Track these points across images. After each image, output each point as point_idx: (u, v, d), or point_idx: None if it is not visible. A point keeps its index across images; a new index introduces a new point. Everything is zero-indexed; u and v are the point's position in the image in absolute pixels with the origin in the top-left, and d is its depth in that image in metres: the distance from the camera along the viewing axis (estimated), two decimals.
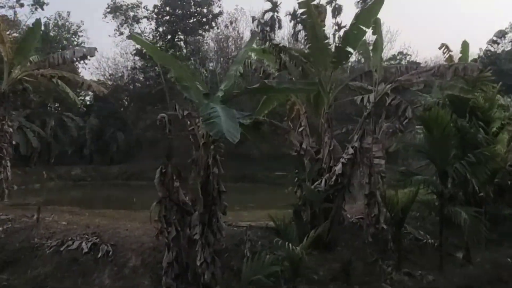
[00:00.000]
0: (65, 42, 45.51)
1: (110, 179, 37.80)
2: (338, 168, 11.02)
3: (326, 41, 11.44)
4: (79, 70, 45.81)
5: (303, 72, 12.15)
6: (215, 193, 8.64)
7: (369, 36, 15.19)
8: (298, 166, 12.01)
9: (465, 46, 15.29)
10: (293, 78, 12.45)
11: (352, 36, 11.06)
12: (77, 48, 13.84)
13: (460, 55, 15.29)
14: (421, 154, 12.98)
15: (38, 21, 16.20)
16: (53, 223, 11.30)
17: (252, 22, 40.13)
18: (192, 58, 40.15)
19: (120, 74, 43.22)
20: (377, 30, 10.85)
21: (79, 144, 39.79)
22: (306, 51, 11.99)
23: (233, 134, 6.78)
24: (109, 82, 44.12)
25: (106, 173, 38.41)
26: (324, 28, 11.42)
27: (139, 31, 42.09)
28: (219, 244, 9.69)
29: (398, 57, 40.93)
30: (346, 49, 11.30)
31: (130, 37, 41.86)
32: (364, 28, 10.87)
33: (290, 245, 8.71)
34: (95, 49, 16.23)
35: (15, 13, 40.48)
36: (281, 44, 11.90)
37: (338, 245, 11.61)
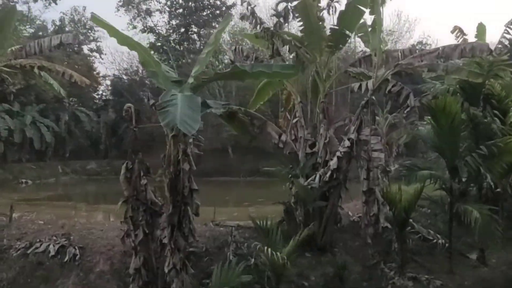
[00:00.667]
0: (81, 38, 45.18)
1: (117, 174, 37.20)
2: (333, 162, 9.90)
3: (321, 23, 10.30)
4: (96, 65, 45.64)
5: (298, 58, 11.02)
6: (186, 192, 7.63)
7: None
8: (292, 160, 10.92)
9: (481, 29, 13.84)
10: (284, 61, 11.37)
11: (349, 17, 9.90)
12: (55, 36, 12.93)
13: (476, 39, 13.86)
14: (430, 146, 11.80)
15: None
16: (27, 222, 10.47)
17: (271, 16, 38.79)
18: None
19: (135, 69, 42.52)
20: (375, 8, 9.65)
21: (94, 139, 39.41)
22: (300, 35, 10.83)
23: (189, 125, 5.80)
24: (124, 77, 43.65)
25: (120, 168, 37.84)
26: (318, 9, 10.28)
27: (152, 25, 41.35)
28: (198, 247, 8.77)
29: (417, 47, 39.19)
30: (343, 31, 10.14)
31: (144, 30, 41.22)
32: (361, 7, 9.70)
33: (270, 250, 7.66)
34: (74, 35, 15.35)
35: (29, 8, 40.07)
36: (272, 28, 10.75)
37: (335, 246, 10.51)
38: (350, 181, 10.75)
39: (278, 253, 7.61)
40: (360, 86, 10.10)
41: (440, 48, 9.27)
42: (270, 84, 12.05)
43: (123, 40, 7.46)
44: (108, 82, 45.32)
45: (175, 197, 7.57)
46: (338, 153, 9.88)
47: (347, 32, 10.22)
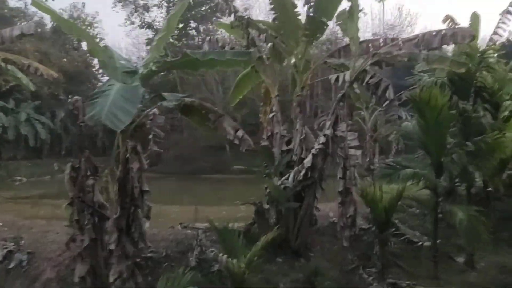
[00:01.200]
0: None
1: None
2: (307, 160, 9.13)
3: (296, 9, 9.52)
4: (95, 62, 45.01)
5: (274, 48, 10.26)
6: (136, 193, 6.91)
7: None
8: (266, 158, 10.17)
9: (475, 18, 12.92)
10: (263, 56, 10.58)
11: (325, 3, 9.13)
12: (16, 26, 12.23)
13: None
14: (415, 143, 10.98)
15: None
16: None
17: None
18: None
19: (134, 64, 41.80)
20: None
21: (90, 136, 38.84)
22: (275, 24, 10.06)
23: (118, 119, 5.07)
24: None
25: None
26: None
27: (150, 20, 40.65)
28: (157, 252, 8.05)
29: None
30: (320, 19, 9.36)
31: (141, 26, 40.52)
32: None
33: (225, 257, 6.91)
34: (37, 24, 14.61)
35: (25, 4, 39.52)
36: (247, 16, 9.99)
37: (311, 250, 9.75)
38: (329, 179, 10.00)
39: (235, 261, 6.85)
40: (337, 78, 9.32)
41: (420, 35, 8.46)
42: (249, 77, 11.30)
43: (68, 27, 6.74)
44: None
45: (124, 198, 6.85)
46: (313, 150, 9.12)
47: (325, 20, 9.43)
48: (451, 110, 10.92)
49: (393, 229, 11.40)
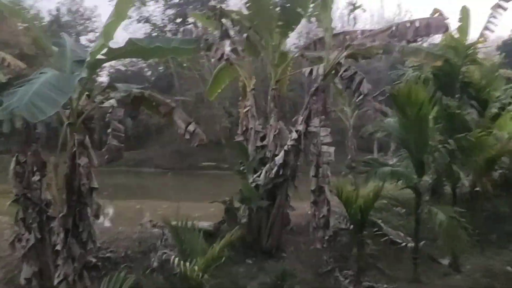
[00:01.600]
0: (79, 28, 44.17)
1: (118, 165, 36.42)
2: (279, 157, 8.66)
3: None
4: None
5: (248, 40, 9.77)
6: (85, 191, 6.44)
7: None
8: (240, 155, 9.71)
9: (465, 13, 12.35)
10: (237, 48, 10.08)
11: None
12: None
13: (460, 23, 12.35)
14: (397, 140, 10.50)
15: None
16: None
17: None
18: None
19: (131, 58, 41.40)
20: None
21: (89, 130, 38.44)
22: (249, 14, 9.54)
23: (39, 108, 4.59)
24: (122, 68, 42.64)
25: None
26: None
27: (147, 15, 40.17)
28: (116, 252, 7.60)
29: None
30: (294, 10, 8.86)
31: (139, 20, 40.11)
32: None
33: (177, 259, 6.45)
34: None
35: None
36: (219, 6, 9.50)
37: (284, 251, 9.27)
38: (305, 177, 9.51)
39: (187, 263, 6.37)
40: (311, 71, 8.81)
41: (394, 26, 7.92)
42: (226, 71, 10.82)
43: (12, 12, 6.26)
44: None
45: (70, 196, 6.39)
46: (285, 147, 8.63)
47: (299, 10, 8.92)
48: (434, 106, 10.49)
49: (375, 229, 10.94)
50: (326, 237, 9.64)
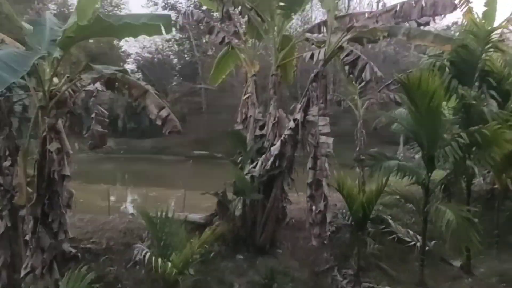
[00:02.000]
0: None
1: (141, 152, 36.57)
2: (275, 147, 8.09)
3: None
4: (121, 44, 44.72)
5: (249, 23, 9.20)
6: (56, 178, 6.03)
7: None
8: (238, 144, 9.18)
9: None
10: (238, 31, 9.53)
11: None
12: None
13: (485, 8, 11.34)
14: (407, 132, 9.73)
15: None
16: None
17: None
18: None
19: (157, 46, 41.38)
20: None
21: (112, 117, 38.58)
22: None
23: None
24: (148, 55, 42.58)
25: (137, 147, 37.17)
26: None
27: (173, 1, 39.86)
28: (98, 243, 7.21)
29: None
30: None
31: (164, 7, 39.81)
32: None
33: (148, 255, 5.99)
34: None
35: None
36: None
37: (279, 247, 8.72)
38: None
39: (160, 259, 5.90)
40: (312, 56, 8.17)
41: (398, 6, 7.19)
42: (229, 56, 10.27)
43: None
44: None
45: (41, 184, 5.99)
46: (282, 137, 8.06)
47: None
48: (450, 97, 9.70)
49: (382, 226, 10.29)
50: (327, 234, 9.10)
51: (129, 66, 44.59)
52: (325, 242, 7.84)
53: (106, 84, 6.16)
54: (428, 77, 8.07)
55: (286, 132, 8.00)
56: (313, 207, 7.82)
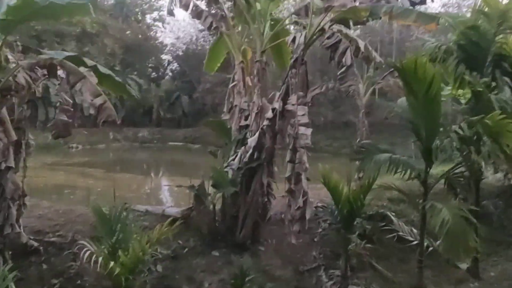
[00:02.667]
0: (144, 6, 44.46)
1: (175, 142, 36.79)
2: (252, 139, 7.54)
3: None
4: (158, 34, 44.91)
5: (235, 5, 8.64)
6: (1, 170, 5.72)
7: None
8: (223, 135, 8.68)
9: None
10: (225, 15, 8.99)
11: None
12: None
13: None
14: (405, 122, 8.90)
15: None
16: None
17: None
18: None
19: (191, 37, 41.25)
20: None
21: (147, 107, 38.91)
22: None
23: None
24: (183, 46, 42.55)
25: (171, 136, 37.35)
26: None
27: None
28: (63, 236, 6.92)
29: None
30: None
31: None
32: None
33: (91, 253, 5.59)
34: None
35: None
36: None
37: (262, 244, 8.17)
38: None
39: (106, 259, 5.50)
40: (294, 39, 7.52)
41: None
42: (222, 41, 9.72)
43: None
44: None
45: None
46: (260, 127, 7.49)
47: None
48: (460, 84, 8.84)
49: (383, 223, 9.57)
50: (320, 230, 8.53)
51: (165, 56, 44.92)
52: (295, 241, 7.20)
53: (48, 69, 5.75)
54: (425, 62, 7.26)
55: (265, 122, 7.42)
56: (292, 203, 7.21)
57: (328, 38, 7.04)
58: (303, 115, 7.00)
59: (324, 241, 8.62)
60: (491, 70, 8.85)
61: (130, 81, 35.96)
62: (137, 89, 36.02)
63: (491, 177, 11.60)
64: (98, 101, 5.40)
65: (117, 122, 5.74)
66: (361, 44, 8.40)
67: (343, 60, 6.84)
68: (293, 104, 7.13)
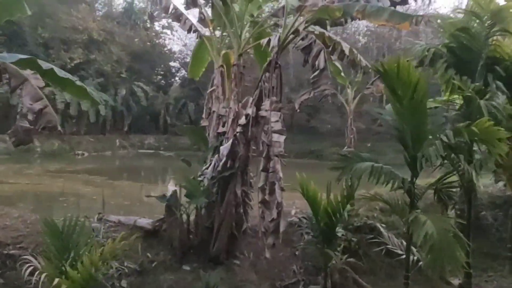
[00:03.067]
0: (154, 13, 44.44)
1: (181, 149, 36.46)
2: (225, 146, 7.13)
3: None
4: (167, 42, 44.89)
5: (213, 8, 8.28)
6: None
7: None
8: (200, 142, 8.29)
9: None
10: (204, 18, 8.63)
11: None
12: None
13: None
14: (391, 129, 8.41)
15: None
16: None
17: None
18: None
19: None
20: None
21: (153, 114, 38.82)
22: None
23: None
24: (190, 52, 42.37)
25: (177, 144, 37.09)
26: None
27: None
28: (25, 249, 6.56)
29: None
30: None
31: None
32: None
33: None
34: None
35: None
36: None
37: (237, 258, 7.72)
38: None
39: (42, 274, 5.11)
40: (268, 42, 7.11)
41: None
42: (205, 47, 9.37)
43: None
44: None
45: None
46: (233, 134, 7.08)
47: None
48: (447, 88, 8.37)
49: (371, 236, 9.06)
50: (302, 243, 8.07)
51: (174, 64, 44.88)
52: (269, 255, 6.74)
53: None
54: (408, 65, 6.80)
55: (237, 129, 7.00)
56: (266, 214, 6.76)
57: (302, 39, 6.61)
58: (277, 121, 6.58)
59: (306, 254, 8.14)
60: (483, 74, 8.34)
61: (136, 88, 35.91)
62: (144, 96, 35.94)
63: (491, 187, 11.06)
64: (38, 105, 5.02)
65: (57, 129, 5.31)
66: (346, 47, 7.99)
67: (316, 63, 6.39)
68: (266, 110, 6.71)
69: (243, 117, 6.97)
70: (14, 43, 29.99)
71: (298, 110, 7.33)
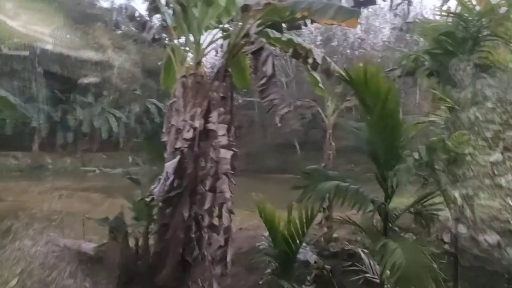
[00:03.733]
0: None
1: None
2: (170, 163, 6.41)
3: None
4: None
5: (174, 14, 7.67)
6: None
7: None
8: (157, 157, 7.61)
9: None
10: (167, 26, 8.04)
11: None
12: None
13: None
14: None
15: None
16: None
17: None
18: None
19: (214, 60, 40.88)
20: None
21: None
22: None
23: None
24: (206, 69, 42.19)
25: None
26: None
27: None
28: None
29: None
30: None
31: None
32: None
33: None
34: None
35: (112, 3, 40.31)
36: None
37: (188, 287, 6.92)
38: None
39: None
40: (222, 46, 6.43)
41: None
42: None
43: None
44: None
45: None
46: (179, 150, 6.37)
47: None
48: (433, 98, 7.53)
49: (349, 263, 8.15)
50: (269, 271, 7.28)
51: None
52: (217, 285, 5.94)
53: None
54: (376, 72, 6.02)
55: (184, 144, 6.28)
56: (213, 240, 5.99)
57: (252, 43, 5.89)
58: (223, 135, 5.83)
59: (271, 284, 7.29)
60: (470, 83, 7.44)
61: (150, 105, 35.76)
62: (157, 113, 35.77)
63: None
64: None
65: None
66: (318, 55, 7.24)
67: (264, 69, 5.66)
68: (213, 123, 5.98)
69: (191, 131, 6.25)
70: None
71: (279, 125, 6.55)
